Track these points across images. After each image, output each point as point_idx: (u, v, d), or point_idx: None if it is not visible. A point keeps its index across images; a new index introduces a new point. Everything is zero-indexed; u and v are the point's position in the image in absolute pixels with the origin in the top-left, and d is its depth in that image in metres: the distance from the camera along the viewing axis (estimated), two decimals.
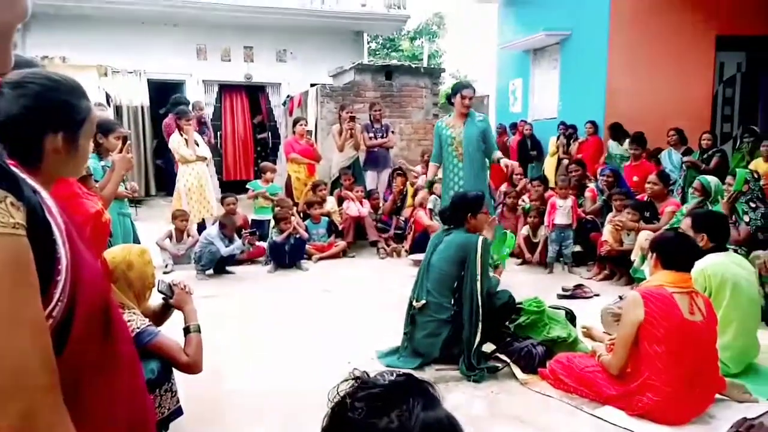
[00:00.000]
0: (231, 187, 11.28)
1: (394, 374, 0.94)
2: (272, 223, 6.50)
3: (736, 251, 4.03)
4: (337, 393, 0.90)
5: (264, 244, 6.49)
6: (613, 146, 8.31)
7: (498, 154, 5.10)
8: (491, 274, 3.74)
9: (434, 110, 10.24)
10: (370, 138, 7.96)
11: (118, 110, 11.01)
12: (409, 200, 7.35)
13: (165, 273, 5.75)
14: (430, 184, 5.66)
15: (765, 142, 6.41)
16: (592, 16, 9.20)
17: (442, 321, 3.49)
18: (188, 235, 6.29)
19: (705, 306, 2.83)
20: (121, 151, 3.29)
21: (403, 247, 6.95)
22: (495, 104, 12.93)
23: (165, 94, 11.36)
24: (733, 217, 4.60)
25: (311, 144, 8.01)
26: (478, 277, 3.42)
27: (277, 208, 6.55)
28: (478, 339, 3.37)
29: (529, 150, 9.65)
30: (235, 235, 6.04)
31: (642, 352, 2.77)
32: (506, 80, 11.99)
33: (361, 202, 7.13)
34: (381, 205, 7.45)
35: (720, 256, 3.37)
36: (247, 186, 7.59)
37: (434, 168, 5.33)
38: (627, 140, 8.09)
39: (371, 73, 9.86)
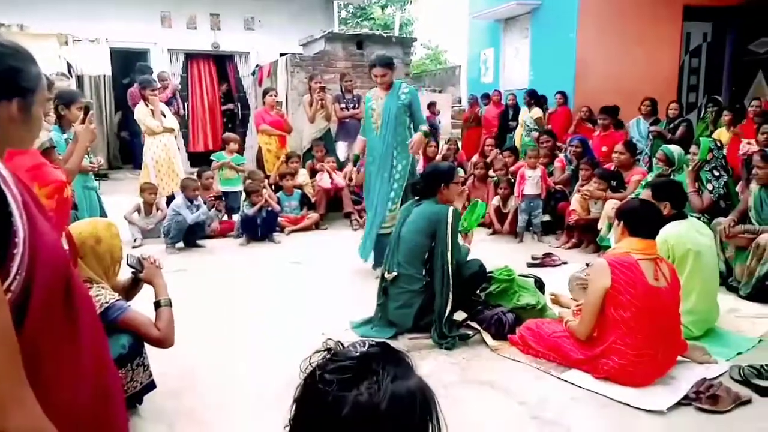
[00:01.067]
0: (198, 158, 11.14)
1: (367, 344, 0.94)
2: (243, 195, 6.43)
3: (699, 219, 4.16)
4: (309, 364, 0.90)
5: (234, 218, 6.43)
6: (523, 113, 8.53)
7: (423, 127, 4.69)
8: (461, 243, 3.78)
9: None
10: (342, 109, 7.88)
11: (80, 80, 10.65)
12: None
13: (134, 247, 5.67)
14: (357, 158, 5.29)
15: (726, 112, 6.55)
16: None
17: (414, 292, 3.52)
18: (157, 209, 6.20)
19: (669, 272, 2.92)
20: (83, 122, 3.19)
21: None
22: (466, 74, 12.89)
23: (128, 64, 11.02)
24: (697, 185, 4.73)
25: (282, 115, 7.90)
26: (449, 248, 3.45)
27: (248, 181, 6.48)
28: (449, 308, 3.42)
29: (509, 120, 9.67)
30: (201, 202, 5.96)
31: (608, 318, 2.86)
32: (478, 50, 11.94)
33: (334, 171, 7.09)
34: (354, 176, 7.40)
35: (682, 224, 3.47)
36: (211, 158, 7.46)
37: (361, 142, 5.07)
38: (536, 108, 8.30)
39: (342, 43, 9.69)
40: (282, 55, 10.18)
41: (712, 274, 3.53)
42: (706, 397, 2.63)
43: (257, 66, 11.47)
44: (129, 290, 2.66)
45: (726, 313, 3.67)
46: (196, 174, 6.55)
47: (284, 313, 3.96)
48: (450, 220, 3.47)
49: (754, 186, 4.32)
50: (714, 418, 2.55)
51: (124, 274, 2.64)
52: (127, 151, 11.67)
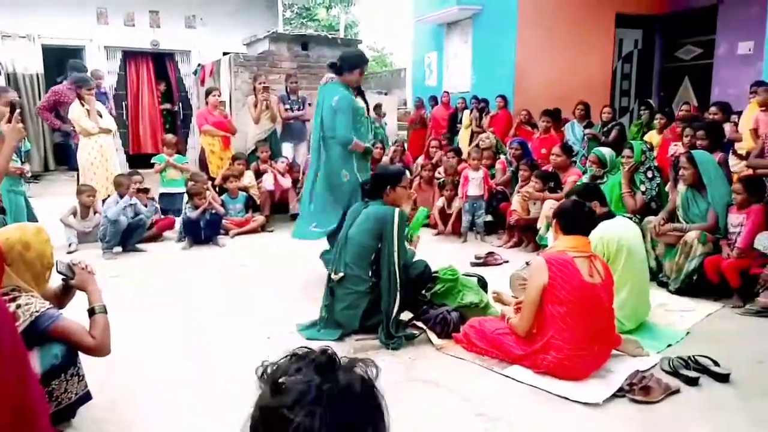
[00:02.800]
0: (139, 160, 10.78)
1: (314, 360, 0.90)
2: (185, 198, 6.28)
3: (630, 218, 4.36)
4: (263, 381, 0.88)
5: (177, 219, 6.27)
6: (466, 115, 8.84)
7: None
8: (407, 247, 3.82)
9: None
10: (287, 110, 7.81)
11: (10, 78, 10.12)
12: None
13: (69, 252, 5.45)
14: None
15: (660, 116, 6.88)
16: None
17: (360, 293, 3.54)
18: (95, 212, 5.95)
19: (603, 269, 3.05)
20: (10, 120, 3.02)
21: None
22: (411, 77, 13.02)
23: (63, 62, 10.55)
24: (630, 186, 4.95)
25: (225, 116, 7.74)
26: (395, 249, 3.48)
27: (190, 183, 6.33)
28: (396, 309, 3.45)
29: (458, 122, 9.82)
30: (138, 203, 5.77)
31: (546, 314, 2.96)
32: (422, 53, 12.08)
33: (282, 174, 7.02)
34: (300, 178, 7.36)
35: (615, 222, 3.64)
36: (152, 161, 7.23)
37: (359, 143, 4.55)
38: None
39: (287, 43, 9.61)
40: (225, 54, 9.99)
41: (643, 270, 3.71)
42: (638, 389, 2.75)
43: (199, 65, 11.20)
44: (61, 298, 2.55)
45: (656, 308, 3.86)
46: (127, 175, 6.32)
47: (229, 317, 3.89)
48: (396, 221, 3.50)
49: (681, 186, 4.55)
50: (646, 409, 2.68)
51: (57, 281, 2.53)
52: (63, 151, 11.16)
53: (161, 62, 12.24)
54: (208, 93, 7.69)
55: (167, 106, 12.43)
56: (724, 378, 2.91)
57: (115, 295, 4.21)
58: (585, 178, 5.31)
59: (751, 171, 4.58)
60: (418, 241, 4.08)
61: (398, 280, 3.46)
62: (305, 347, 0.92)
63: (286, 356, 0.91)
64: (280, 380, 0.85)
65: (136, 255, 5.63)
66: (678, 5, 9.81)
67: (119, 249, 5.62)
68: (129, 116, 11.89)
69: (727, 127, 5.66)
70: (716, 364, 2.99)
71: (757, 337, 3.54)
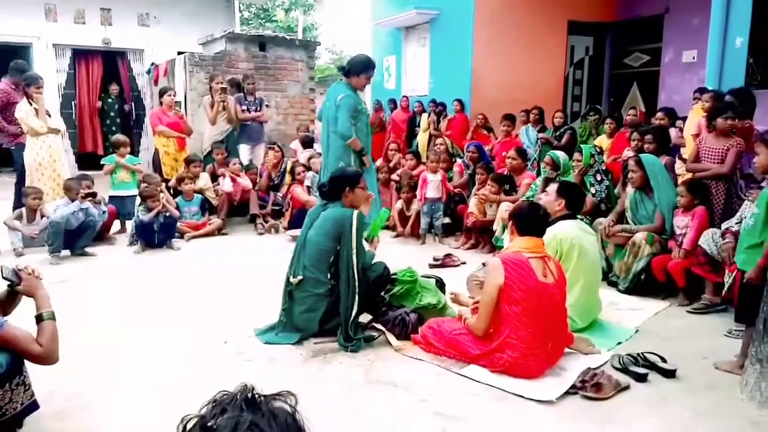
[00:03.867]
0: (89, 160, 10.45)
1: (237, 398, 0.91)
2: (137, 200, 6.11)
3: (582, 220, 4.49)
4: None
5: (129, 223, 6.10)
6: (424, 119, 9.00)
7: None
8: (367, 248, 3.83)
9: (311, 84, 10.14)
10: (244, 111, 7.72)
11: None
12: (287, 176, 7.26)
13: (17, 256, 5.23)
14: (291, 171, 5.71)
15: (609, 121, 7.11)
16: None
17: (319, 295, 3.52)
18: (42, 216, 5.73)
19: (556, 269, 3.13)
20: None
21: (281, 223, 6.88)
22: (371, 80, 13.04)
23: (10, 60, 10.14)
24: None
25: (181, 116, 7.58)
26: (354, 251, 3.49)
27: (143, 185, 6.16)
28: (355, 311, 3.46)
29: (416, 126, 9.89)
30: (89, 206, 5.58)
31: (502, 313, 3.02)
32: (381, 57, 12.12)
33: (238, 176, 6.92)
34: (258, 180, 7.29)
35: (570, 223, 3.74)
36: (102, 162, 7.00)
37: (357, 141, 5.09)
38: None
39: (244, 43, 9.51)
40: (180, 53, 9.81)
41: (594, 270, 3.83)
42: (590, 386, 2.84)
43: (152, 64, 10.96)
44: (6, 304, 2.45)
45: (607, 306, 3.98)
46: (77, 178, 6.10)
47: (184, 322, 3.81)
48: (355, 223, 3.51)
49: (629, 189, 4.72)
50: (598, 405, 2.76)
51: (2, 286, 2.43)
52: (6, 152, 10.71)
53: (113, 61, 11.90)
54: (162, 92, 7.52)
55: (100, 105, 11.86)
56: (671, 374, 3.03)
57: (63, 301, 4.08)
58: (538, 181, 5.44)
59: (690, 175, 4.78)
60: (378, 242, 4.10)
61: (357, 283, 3.47)
62: (224, 392, 0.94)
63: (206, 404, 0.92)
64: (209, 424, 0.87)
65: (86, 259, 5.45)
66: (627, 14, 10.16)
67: (67, 253, 5.43)
68: (78, 116, 11.51)
69: (673, 132, 5.90)
70: (664, 360, 3.11)
71: (702, 334, 3.69)
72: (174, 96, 7.57)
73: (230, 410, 0.88)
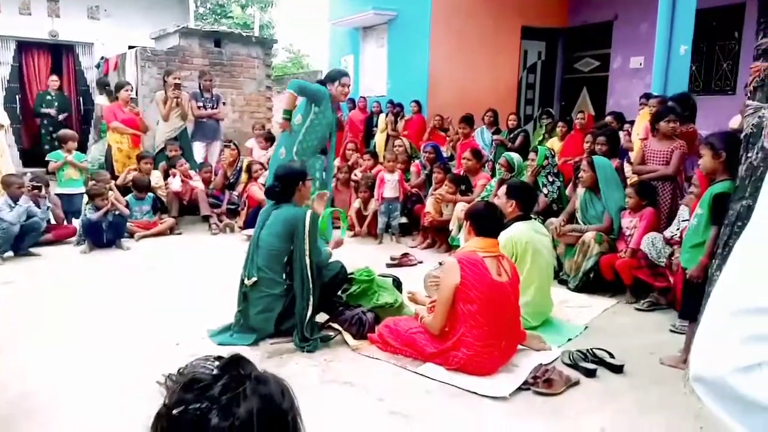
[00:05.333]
0: (33, 157, 10.03)
1: (213, 360, 0.89)
2: (85, 198, 5.90)
3: (535, 219, 4.59)
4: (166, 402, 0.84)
5: (75, 223, 5.89)
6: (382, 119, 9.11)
7: None
8: (325, 247, 3.82)
9: (267, 82, 10.02)
10: (199, 108, 7.56)
11: None
12: (243, 175, 7.15)
13: None
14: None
15: (561, 124, 7.30)
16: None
17: (275, 296, 3.49)
18: None
19: (510, 268, 3.19)
20: None
21: (236, 222, 6.77)
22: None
23: None
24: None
25: (137, 113, 7.37)
26: (307, 251, 3.46)
27: (91, 183, 5.96)
28: (310, 311, 3.43)
29: (374, 126, 9.89)
30: (31, 204, 5.36)
31: (458, 312, 3.06)
32: (338, 56, 12.09)
33: (188, 177, 6.78)
34: (213, 179, 7.16)
35: (525, 224, 3.82)
36: (47, 158, 6.73)
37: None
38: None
39: (198, 39, 9.31)
40: (131, 47, 9.53)
41: (547, 270, 3.92)
42: (542, 382, 2.91)
43: (102, 58, 10.60)
44: None
45: (557, 304, 4.08)
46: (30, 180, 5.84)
47: (134, 324, 3.71)
48: (307, 222, 3.49)
49: (580, 189, 4.86)
50: (549, 400, 2.84)
51: None
52: None
53: (61, 54, 11.45)
54: (119, 87, 7.30)
55: (50, 111, 10.15)
56: (618, 369, 3.13)
57: (7, 303, 3.91)
58: (493, 182, 5.53)
59: (636, 177, 4.96)
60: (342, 243, 4.11)
61: (311, 283, 3.45)
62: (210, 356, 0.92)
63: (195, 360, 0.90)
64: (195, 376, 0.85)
65: (30, 260, 5.24)
66: (577, 20, 10.45)
67: (11, 254, 5.21)
68: (23, 110, 11.02)
69: (621, 136, 6.10)
70: (612, 356, 3.21)
71: (649, 330, 3.84)
72: (131, 91, 7.36)
73: (218, 367, 0.86)
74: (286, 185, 3.65)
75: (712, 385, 0.65)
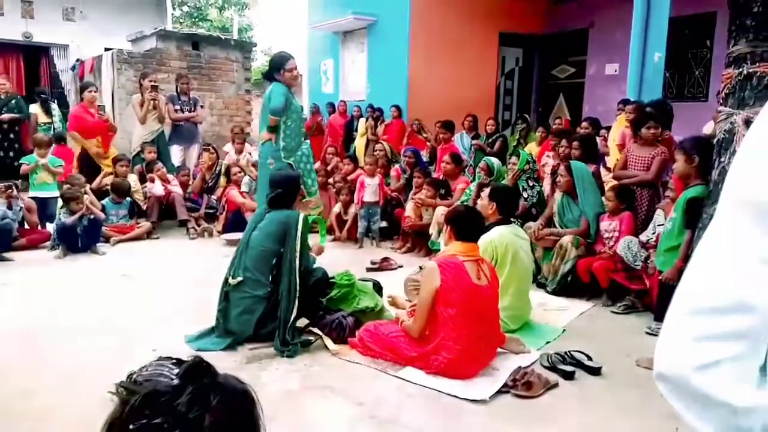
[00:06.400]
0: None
1: (172, 366, 0.84)
2: (59, 202, 5.80)
3: (514, 223, 4.63)
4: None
5: (49, 227, 5.78)
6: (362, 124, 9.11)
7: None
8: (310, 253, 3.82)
9: (246, 86, 9.97)
10: (177, 111, 7.48)
11: None
12: (222, 179, 7.09)
13: None
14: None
15: (541, 129, 7.39)
16: (395, 5, 9.64)
17: (258, 297, 3.48)
18: None
19: (489, 271, 3.22)
20: None
21: (214, 226, 6.71)
22: (308, 83, 12.97)
23: None
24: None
25: (106, 119, 7.24)
26: (297, 254, 3.47)
27: (66, 186, 5.85)
28: (294, 315, 3.43)
29: (354, 131, 9.89)
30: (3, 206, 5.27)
31: (438, 315, 3.07)
32: (318, 60, 12.08)
33: (166, 181, 6.70)
34: (190, 182, 7.08)
35: (505, 228, 3.85)
36: (20, 162, 6.59)
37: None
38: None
39: (176, 41, 9.24)
40: (107, 50, 9.41)
41: (526, 274, 3.95)
42: (521, 384, 2.93)
43: (78, 60, 10.46)
44: None
45: (536, 307, 4.12)
46: None
47: (109, 330, 3.64)
48: (300, 225, 3.50)
49: (557, 194, 4.92)
50: (528, 403, 2.86)
51: None
52: None
53: (35, 56, 11.26)
54: (84, 88, 7.14)
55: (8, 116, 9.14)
56: (596, 371, 3.17)
57: None
58: (472, 186, 5.57)
59: (616, 182, 5.02)
60: (323, 250, 4.11)
61: (298, 285, 3.44)
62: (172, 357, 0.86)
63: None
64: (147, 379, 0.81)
65: (3, 265, 5.11)
66: (554, 27, 10.60)
67: None
68: None
69: (598, 141, 6.19)
70: (589, 358, 3.25)
71: (625, 332, 3.89)
72: (95, 91, 7.20)
73: (171, 370, 0.81)
74: (289, 192, 3.70)
75: (673, 383, 0.68)
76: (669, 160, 4.62)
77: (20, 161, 6.56)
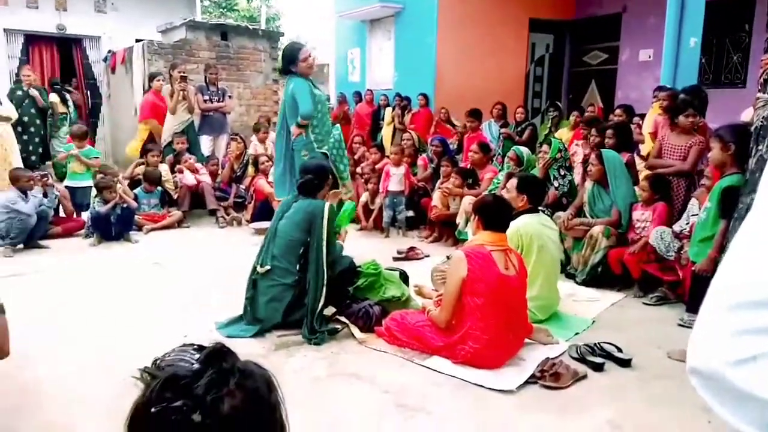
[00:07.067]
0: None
1: (193, 352, 0.86)
2: (93, 191, 5.94)
3: (543, 212, 4.57)
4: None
5: (84, 216, 5.92)
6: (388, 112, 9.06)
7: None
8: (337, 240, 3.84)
9: (274, 75, 10.00)
10: (206, 101, 7.57)
11: None
12: (250, 168, 7.16)
13: None
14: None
15: (575, 113, 7.27)
16: None
17: (286, 286, 3.51)
18: None
19: (517, 261, 3.18)
20: None
21: (243, 215, 6.78)
22: (335, 72, 12.97)
23: None
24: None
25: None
26: (324, 242, 3.49)
27: (99, 176, 5.99)
28: (321, 303, 3.45)
29: (381, 119, 9.88)
30: (40, 195, 5.41)
31: (465, 305, 3.05)
32: (345, 49, 12.05)
33: (195, 171, 6.79)
34: (219, 172, 7.17)
35: (532, 217, 3.80)
36: (57, 148, 6.77)
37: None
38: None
39: (205, 32, 9.31)
40: (138, 41, 9.55)
41: (554, 264, 3.91)
42: (549, 375, 2.90)
43: (109, 52, 10.64)
44: None
45: (565, 298, 4.07)
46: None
47: (142, 317, 3.73)
48: (326, 214, 3.52)
49: (588, 183, 4.83)
50: (556, 394, 2.83)
51: None
52: None
53: (68, 47, 11.49)
54: (152, 77, 7.53)
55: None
56: (626, 363, 3.12)
57: (15, 295, 3.94)
58: (501, 176, 5.51)
59: (649, 172, 4.91)
60: (345, 235, 4.10)
61: (325, 274, 3.46)
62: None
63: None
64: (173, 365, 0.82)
65: (38, 252, 5.27)
66: (586, 12, 10.36)
67: (20, 245, 5.24)
68: None
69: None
70: (619, 350, 3.20)
71: (656, 324, 3.82)
72: (163, 80, 7.55)
73: (196, 356, 0.82)
74: (319, 180, 3.72)
75: (707, 377, 0.66)
76: (705, 148, 4.49)
77: (57, 148, 6.74)
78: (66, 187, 6.31)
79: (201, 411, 0.75)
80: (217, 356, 0.82)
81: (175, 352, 0.86)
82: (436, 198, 5.88)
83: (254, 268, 3.61)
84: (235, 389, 0.78)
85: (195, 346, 0.86)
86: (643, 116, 6.42)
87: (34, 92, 7.32)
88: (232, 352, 0.84)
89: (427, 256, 5.35)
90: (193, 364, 0.82)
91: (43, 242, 5.42)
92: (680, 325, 3.74)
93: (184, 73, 7.40)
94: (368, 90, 10.51)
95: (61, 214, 6.12)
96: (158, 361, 0.85)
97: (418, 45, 9.71)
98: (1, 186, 5.87)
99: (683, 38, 5.97)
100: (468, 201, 5.14)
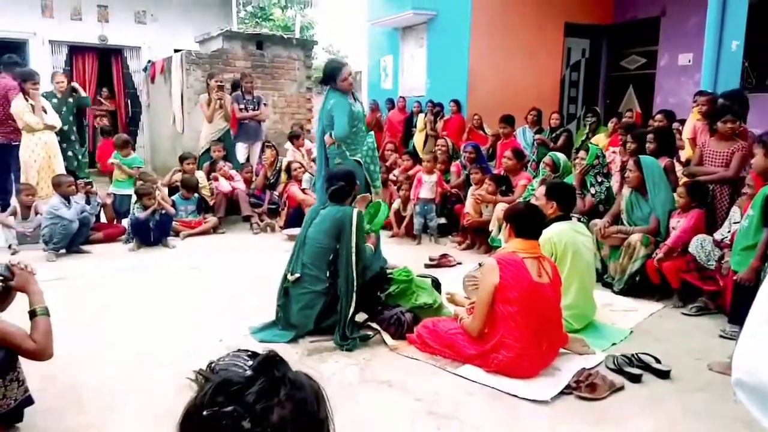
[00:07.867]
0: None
1: (246, 358, 0.88)
2: (134, 198, 6.10)
3: (579, 220, 4.50)
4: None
5: (124, 222, 6.09)
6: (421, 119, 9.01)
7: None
8: (365, 244, 3.85)
9: (308, 83, 10.13)
10: (241, 110, 7.71)
11: None
12: (283, 175, 7.26)
13: (12, 254, 5.21)
14: None
15: (614, 119, 7.13)
16: None
17: (317, 293, 3.53)
18: (36, 213, 5.70)
19: (551, 269, 3.14)
20: None
21: (276, 222, 6.87)
22: (367, 80, 13.06)
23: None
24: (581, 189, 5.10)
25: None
26: (353, 249, 3.50)
27: (139, 183, 6.16)
28: (352, 310, 3.47)
29: (413, 126, 9.90)
30: (82, 201, 5.60)
31: (497, 313, 3.02)
32: (377, 56, 12.13)
33: (230, 178, 6.91)
34: (254, 179, 7.28)
35: (565, 224, 3.74)
36: (111, 160, 6.98)
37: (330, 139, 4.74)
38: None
39: (241, 41, 9.49)
40: (177, 51, 9.79)
41: (589, 272, 3.83)
42: (585, 386, 2.85)
43: (149, 62, 10.93)
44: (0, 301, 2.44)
45: (602, 308, 3.99)
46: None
47: (179, 321, 3.81)
48: (355, 221, 3.53)
49: (625, 190, 4.73)
50: (592, 405, 2.77)
51: None
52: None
53: (109, 58, 11.86)
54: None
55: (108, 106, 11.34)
56: (664, 374, 3.04)
57: (58, 298, 4.07)
58: (535, 182, 5.44)
59: (687, 179, 4.78)
60: (377, 239, 4.11)
61: (356, 281, 3.48)
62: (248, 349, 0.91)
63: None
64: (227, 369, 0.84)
65: (80, 257, 5.44)
66: (623, 16, 10.19)
67: (63, 250, 5.42)
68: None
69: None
70: (658, 361, 3.12)
71: (696, 335, 3.71)
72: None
73: (250, 363, 0.84)
74: (349, 186, 3.75)
75: (754, 390, 0.64)
76: (748, 154, 4.35)
77: (112, 158, 6.90)
78: (110, 193, 6.53)
79: (251, 419, 0.77)
80: (270, 364, 0.84)
81: (229, 356, 0.88)
82: (469, 205, 5.84)
83: (285, 276, 3.65)
84: (285, 400, 0.80)
85: (249, 352, 0.88)
86: (682, 122, 6.26)
87: (75, 84, 7.28)
88: (285, 361, 0.85)
89: (460, 263, 5.31)
90: (246, 370, 0.84)
91: (84, 247, 5.58)
92: (722, 336, 3.63)
93: (221, 82, 7.56)
94: (401, 97, 10.54)
95: (102, 219, 6.31)
96: (213, 365, 0.87)
97: (450, 51, 9.70)
98: (47, 193, 6.07)
99: (724, 41, 5.80)
100: (501, 208, 5.09)
